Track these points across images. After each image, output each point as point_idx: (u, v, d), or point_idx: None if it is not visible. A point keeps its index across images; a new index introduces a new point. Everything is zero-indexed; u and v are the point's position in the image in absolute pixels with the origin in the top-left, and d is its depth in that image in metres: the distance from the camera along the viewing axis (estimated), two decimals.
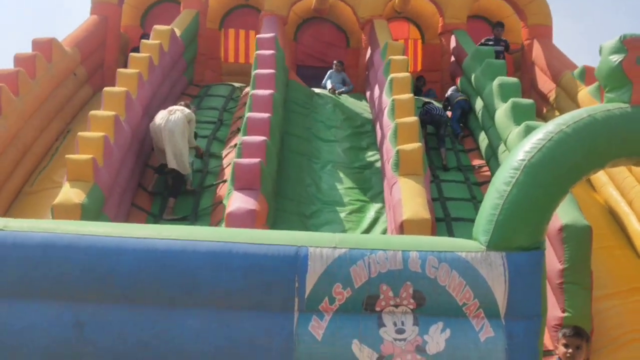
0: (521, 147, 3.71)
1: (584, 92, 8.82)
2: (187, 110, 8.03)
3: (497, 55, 9.94)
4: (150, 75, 8.52)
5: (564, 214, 5.82)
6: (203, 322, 3.29)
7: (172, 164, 7.63)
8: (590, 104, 8.48)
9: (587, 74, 8.86)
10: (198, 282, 3.27)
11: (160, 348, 3.25)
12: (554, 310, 5.64)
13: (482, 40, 10.67)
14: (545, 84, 10.27)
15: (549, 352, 5.26)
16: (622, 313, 6.15)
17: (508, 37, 11.24)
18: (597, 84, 8.24)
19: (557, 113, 9.67)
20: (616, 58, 3.74)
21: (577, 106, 9.00)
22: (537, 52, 10.73)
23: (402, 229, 6.51)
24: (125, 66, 9.35)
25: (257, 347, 3.28)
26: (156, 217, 7.59)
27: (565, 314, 5.61)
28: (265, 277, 3.29)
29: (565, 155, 3.58)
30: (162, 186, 7.98)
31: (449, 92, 10.12)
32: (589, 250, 5.83)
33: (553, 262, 5.77)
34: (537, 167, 3.58)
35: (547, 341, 5.46)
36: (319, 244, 3.42)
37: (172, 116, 7.80)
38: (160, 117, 7.85)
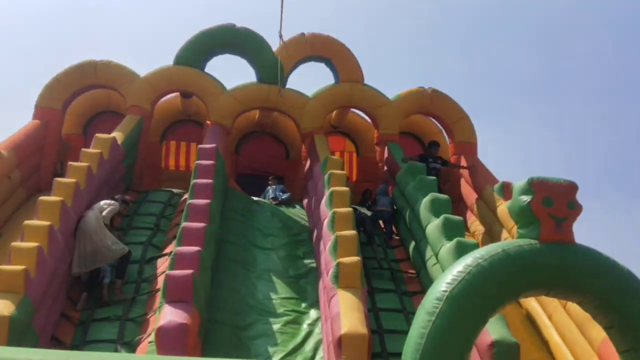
0: (443, 279, 4.00)
1: (503, 207, 9.40)
2: (104, 203, 8.34)
3: (436, 172, 10.54)
4: (87, 184, 8.57)
5: (493, 330, 6.12)
6: None
7: (99, 262, 7.85)
8: (508, 218, 9.06)
9: (505, 190, 9.47)
10: None
11: None
12: None
13: (420, 157, 11.06)
14: (470, 196, 10.89)
15: None
16: None
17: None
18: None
19: (480, 225, 10.24)
20: (525, 198, 4.17)
21: (497, 219, 9.60)
22: None
23: (340, 342, 6.58)
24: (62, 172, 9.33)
25: None
26: (84, 324, 7.42)
27: None
28: None
29: (483, 287, 3.89)
30: (93, 302, 7.83)
31: (378, 194, 10.56)
32: None
33: None
34: (458, 299, 3.87)
35: None
36: None
37: (83, 219, 8.04)
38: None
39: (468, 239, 7.82)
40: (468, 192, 11.07)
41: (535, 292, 4.13)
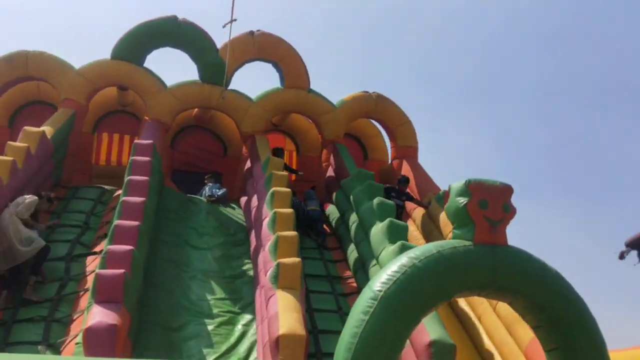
0: (378, 279, 3.98)
1: (444, 215, 9.53)
2: (21, 198, 7.96)
3: (397, 209, 9.61)
4: (11, 180, 8.14)
5: (431, 330, 6.19)
6: None
7: (15, 260, 7.51)
8: (447, 225, 9.20)
9: (445, 198, 9.62)
10: None
11: None
12: None
13: (386, 187, 10.23)
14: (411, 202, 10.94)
15: None
16: None
17: (375, 156, 12.04)
18: None
19: (420, 232, 10.35)
20: (462, 200, 4.21)
21: (437, 227, 9.72)
22: (406, 171, 11.53)
23: (277, 343, 6.51)
24: None
25: None
26: (6, 324, 7.09)
27: None
28: None
29: (417, 288, 3.89)
30: (16, 301, 7.47)
31: (305, 199, 10.50)
32: None
33: None
34: (392, 299, 3.85)
35: None
36: None
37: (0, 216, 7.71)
38: None
39: (412, 243, 7.88)
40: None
41: (468, 293, 4.18)
